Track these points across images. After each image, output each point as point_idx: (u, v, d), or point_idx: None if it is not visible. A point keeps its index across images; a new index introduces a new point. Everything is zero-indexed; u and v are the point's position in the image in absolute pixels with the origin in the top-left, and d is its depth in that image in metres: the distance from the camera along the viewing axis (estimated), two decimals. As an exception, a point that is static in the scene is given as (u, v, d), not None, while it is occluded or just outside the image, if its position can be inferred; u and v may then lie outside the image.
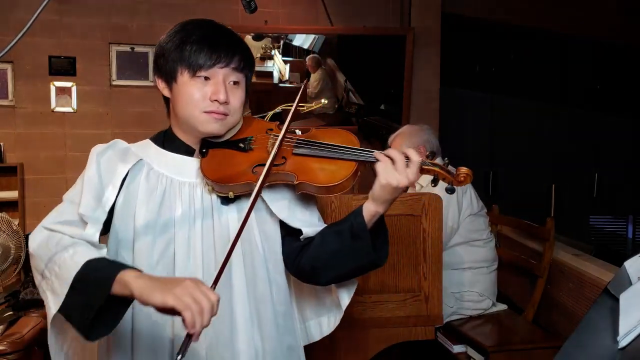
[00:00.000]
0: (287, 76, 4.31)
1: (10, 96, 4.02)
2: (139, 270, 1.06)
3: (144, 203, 1.22)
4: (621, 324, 0.93)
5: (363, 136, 4.33)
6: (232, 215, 1.26)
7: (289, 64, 4.31)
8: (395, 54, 4.36)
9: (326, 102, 4.31)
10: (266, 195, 1.28)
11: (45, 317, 2.21)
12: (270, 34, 4.26)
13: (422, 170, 1.21)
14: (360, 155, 1.23)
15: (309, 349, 1.44)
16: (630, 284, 1.02)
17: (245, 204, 1.26)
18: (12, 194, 3.99)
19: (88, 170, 1.23)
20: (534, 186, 5.04)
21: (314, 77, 4.36)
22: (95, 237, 1.16)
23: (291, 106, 1.32)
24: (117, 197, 1.22)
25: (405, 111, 4.45)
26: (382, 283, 2.06)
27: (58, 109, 4.11)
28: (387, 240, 1.28)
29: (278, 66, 4.29)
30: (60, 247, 1.12)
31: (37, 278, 1.15)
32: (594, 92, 5.06)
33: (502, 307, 2.79)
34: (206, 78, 1.21)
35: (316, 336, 1.44)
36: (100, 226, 1.19)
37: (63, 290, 1.07)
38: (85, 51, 4.11)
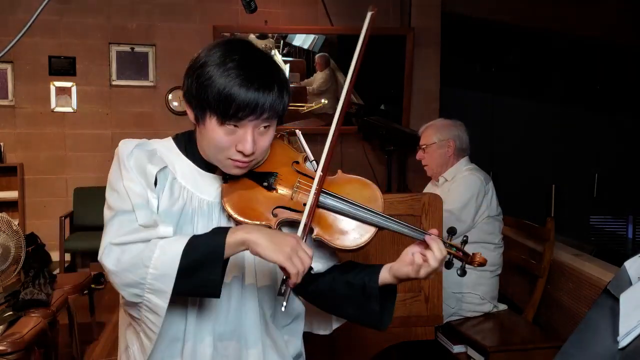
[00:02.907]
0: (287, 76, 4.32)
1: (10, 96, 4.02)
2: (234, 228, 1.11)
3: (165, 213, 1.20)
4: (621, 324, 0.93)
5: (363, 136, 4.34)
6: None
7: (289, 64, 4.31)
8: (395, 54, 4.36)
9: (326, 102, 4.31)
10: (284, 228, 1.25)
11: (45, 317, 2.22)
12: (270, 34, 4.26)
13: None
14: (386, 224, 1.21)
15: (309, 349, 1.44)
16: (630, 284, 1.02)
17: None
18: (12, 194, 3.99)
19: (125, 177, 1.18)
20: (534, 186, 5.04)
21: (321, 75, 4.36)
22: (170, 232, 1.14)
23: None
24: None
25: (405, 111, 4.45)
26: (382, 283, 2.06)
27: (58, 109, 4.11)
28: (393, 306, 1.29)
29: (278, 66, 4.29)
30: (143, 252, 1.10)
31: (128, 290, 1.11)
32: (594, 92, 5.06)
33: (502, 307, 2.79)
34: (235, 125, 1.15)
35: (304, 328, 1.45)
36: (169, 223, 1.16)
37: (169, 285, 1.08)
38: (85, 51, 4.12)
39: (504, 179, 4.94)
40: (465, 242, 1.21)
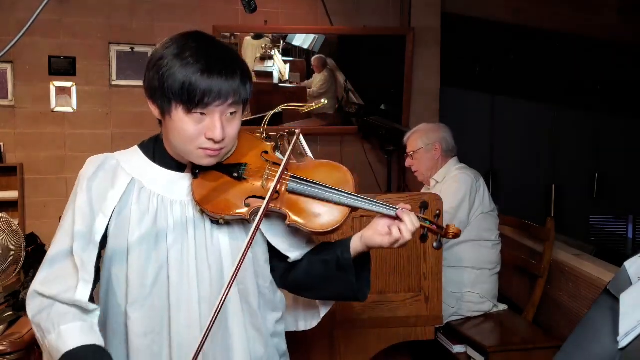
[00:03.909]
0: (287, 76, 4.31)
1: (10, 96, 4.02)
2: None
3: (137, 225, 1.21)
4: (621, 324, 0.93)
5: (363, 136, 4.34)
6: (224, 236, 1.26)
7: (289, 64, 4.31)
8: (395, 54, 4.36)
9: (326, 102, 4.31)
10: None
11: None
12: (270, 34, 4.26)
13: None
14: (359, 203, 1.22)
15: (309, 349, 1.44)
16: (631, 284, 1.02)
17: (237, 228, 1.27)
18: (12, 194, 3.98)
19: (79, 198, 1.21)
20: (534, 186, 5.03)
21: (319, 77, 4.36)
22: (86, 296, 1.15)
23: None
24: (109, 222, 1.21)
25: (405, 111, 4.45)
26: (382, 283, 2.06)
27: (58, 109, 4.10)
28: (369, 274, 1.30)
29: (278, 66, 4.29)
30: (49, 322, 1.13)
31: (38, 340, 1.17)
32: (594, 92, 5.05)
33: (502, 307, 2.79)
34: (202, 113, 1.15)
35: (291, 328, 1.45)
36: (92, 276, 1.18)
37: None
38: (85, 51, 4.11)
39: (504, 179, 4.94)
40: (437, 215, 1.24)
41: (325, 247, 1.32)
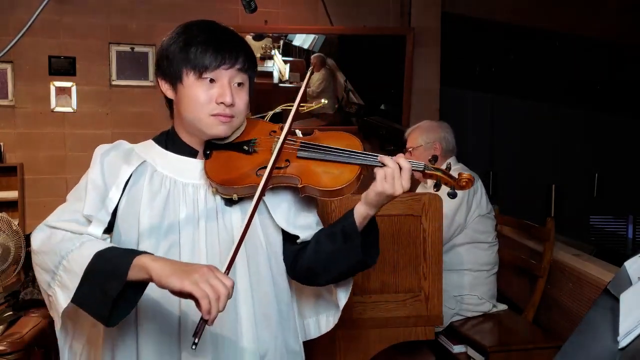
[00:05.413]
0: (287, 76, 4.31)
1: (10, 96, 4.02)
2: (152, 254, 1.09)
3: (147, 206, 1.22)
4: (621, 324, 0.93)
5: (363, 136, 4.33)
6: (236, 216, 1.27)
7: (289, 64, 4.31)
8: (395, 54, 4.36)
9: (326, 102, 4.31)
10: (268, 200, 1.29)
11: (45, 317, 2.21)
12: (270, 34, 4.26)
13: (425, 175, 1.24)
14: (364, 159, 1.24)
15: (309, 349, 1.44)
16: (630, 284, 1.02)
17: (249, 206, 1.27)
18: (12, 194, 3.98)
19: (92, 171, 1.24)
20: (534, 186, 5.03)
21: (317, 76, 4.36)
22: (99, 234, 1.18)
23: (292, 106, 1.34)
24: (120, 199, 1.23)
25: (405, 111, 4.45)
26: (382, 283, 2.06)
27: (58, 109, 4.10)
28: (377, 240, 1.31)
29: (278, 66, 4.29)
30: (65, 242, 1.13)
31: (42, 275, 1.15)
32: (594, 92, 5.05)
33: (502, 307, 2.79)
34: (211, 80, 1.22)
35: (314, 334, 1.46)
36: (104, 226, 1.20)
37: (74, 283, 1.08)
38: (85, 51, 4.11)
39: (504, 179, 4.94)
40: (449, 167, 1.25)
41: (332, 224, 1.33)
